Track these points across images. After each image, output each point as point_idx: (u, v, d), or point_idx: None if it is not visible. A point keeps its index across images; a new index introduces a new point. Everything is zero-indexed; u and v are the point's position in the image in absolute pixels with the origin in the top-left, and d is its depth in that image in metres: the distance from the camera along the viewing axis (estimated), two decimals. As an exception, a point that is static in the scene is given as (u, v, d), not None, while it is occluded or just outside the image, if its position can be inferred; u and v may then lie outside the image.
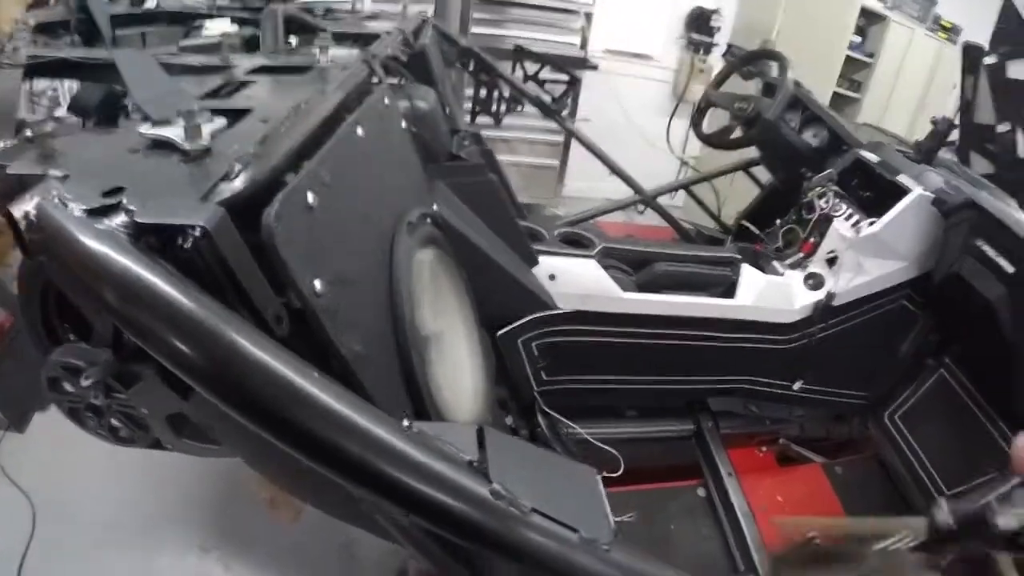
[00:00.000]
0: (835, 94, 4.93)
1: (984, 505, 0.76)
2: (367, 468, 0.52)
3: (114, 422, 0.86)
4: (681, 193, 3.28)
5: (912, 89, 5.29)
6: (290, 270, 0.65)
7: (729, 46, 3.48)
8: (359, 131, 0.93)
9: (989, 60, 3.29)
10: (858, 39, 4.96)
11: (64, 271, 0.56)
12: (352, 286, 0.82)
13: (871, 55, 5.02)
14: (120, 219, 0.55)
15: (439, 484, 0.53)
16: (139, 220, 0.55)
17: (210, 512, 2.27)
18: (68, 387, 0.79)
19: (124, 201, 0.56)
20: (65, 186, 0.59)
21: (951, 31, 5.35)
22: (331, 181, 0.76)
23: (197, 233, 0.55)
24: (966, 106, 3.68)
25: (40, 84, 1.51)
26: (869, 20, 4.94)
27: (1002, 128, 3.42)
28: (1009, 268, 1.94)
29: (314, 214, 0.71)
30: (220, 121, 0.75)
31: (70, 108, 1.07)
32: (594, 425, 2.02)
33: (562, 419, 1.94)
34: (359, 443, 0.51)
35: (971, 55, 3.41)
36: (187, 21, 1.64)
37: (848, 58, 4.86)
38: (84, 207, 0.56)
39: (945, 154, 2.84)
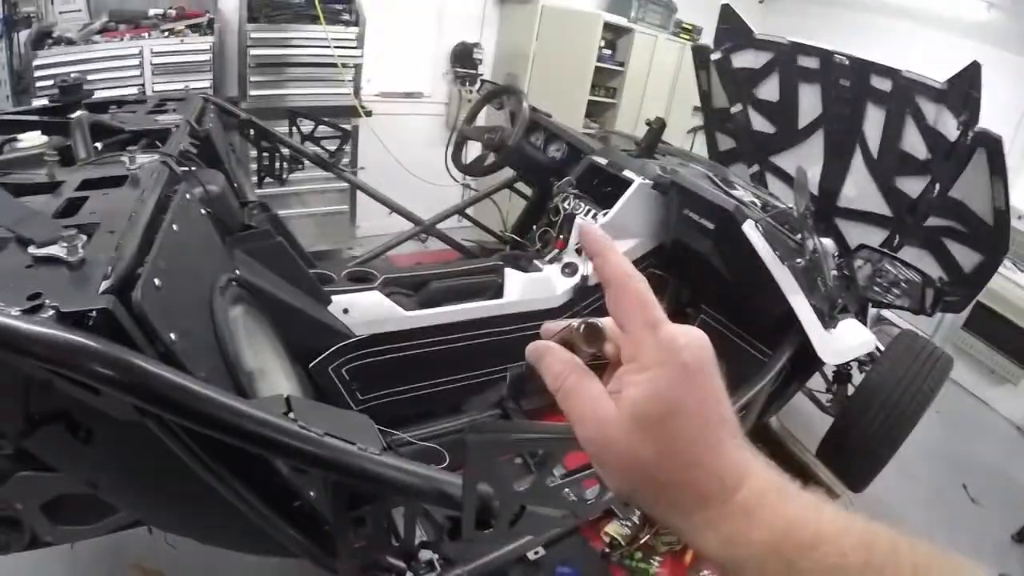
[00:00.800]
0: (592, 101, 5.77)
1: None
2: (226, 422, 0.99)
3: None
4: (469, 212, 3.74)
5: (662, 87, 6.25)
6: (155, 328, 1.10)
7: (482, 82, 4.04)
8: (175, 227, 1.38)
9: (715, 56, 4.16)
10: (608, 51, 5.81)
11: (11, 358, 0.95)
12: (195, 336, 1.28)
13: (621, 64, 5.89)
14: (49, 313, 0.98)
15: (267, 425, 1.02)
16: (63, 311, 0.98)
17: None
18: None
19: (47, 302, 0.99)
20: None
21: (693, 31, 6.37)
22: (166, 267, 1.22)
23: (100, 313, 1.00)
24: (704, 96, 4.58)
25: None
26: (616, 33, 5.80)
27: (735, 109, 4.31)
28: (710, 225, 2.61)
29: (161, 291, 1.16)
30: (82, 237, 1.18)
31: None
32: (416, 429, 2.44)
33: (385, 429, 2.33)
34: (220, 409, 0.99)
35: (700, 55, 4.29)
36: None
37: (600, 68, 5.68)
38: (18, 310, 0.98)
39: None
